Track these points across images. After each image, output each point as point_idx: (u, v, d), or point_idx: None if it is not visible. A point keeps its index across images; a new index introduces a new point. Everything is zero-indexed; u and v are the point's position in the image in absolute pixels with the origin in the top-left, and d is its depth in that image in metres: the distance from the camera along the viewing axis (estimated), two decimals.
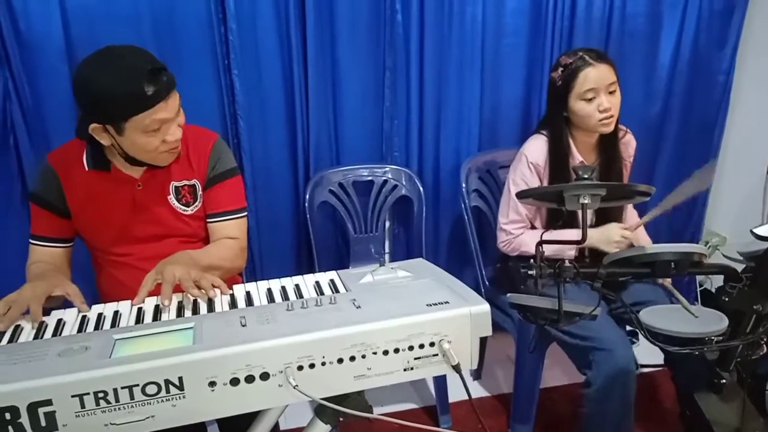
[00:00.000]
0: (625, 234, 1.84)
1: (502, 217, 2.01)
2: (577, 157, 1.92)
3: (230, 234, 1.60)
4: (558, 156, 1.91)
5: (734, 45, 2.58)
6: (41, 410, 0.92)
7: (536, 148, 1.93)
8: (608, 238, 1.84)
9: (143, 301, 1.27)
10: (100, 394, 0.93)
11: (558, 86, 1.87)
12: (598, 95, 1.81)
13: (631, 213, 2.12)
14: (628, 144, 2.05)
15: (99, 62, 1.33)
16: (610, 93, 1.83)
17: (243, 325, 1.08)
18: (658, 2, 2.46)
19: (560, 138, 1.91)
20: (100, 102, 1.31)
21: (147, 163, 1.47)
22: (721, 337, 1.39)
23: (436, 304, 1.11)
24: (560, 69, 1.86)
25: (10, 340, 1.13)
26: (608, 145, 1.96)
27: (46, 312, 1.24)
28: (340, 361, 1.04)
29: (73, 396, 0.92)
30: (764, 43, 2.60)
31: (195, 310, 1.22)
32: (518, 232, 1.98)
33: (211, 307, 1.23)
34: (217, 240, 1.60)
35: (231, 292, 1.29)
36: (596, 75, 1.81)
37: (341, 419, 1.15)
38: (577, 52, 1.85)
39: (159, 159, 1.46)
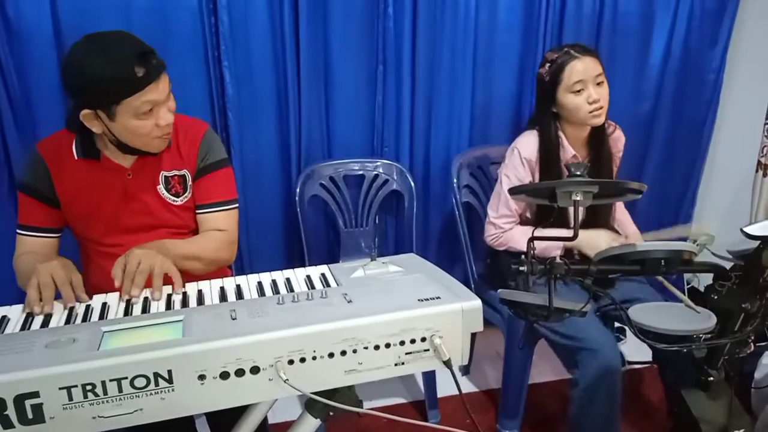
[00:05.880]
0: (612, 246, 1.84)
1: (491, 211, 2.01)
2: (569, 151, 1.93)
3: (219, 226, 1.59)
4: (548, 151, 1.92)
5: (725, 44, 2.59)
6: (28, 402, 0.91)
7: (529, 143, 1.94)
8: (595, 245, 1.83)
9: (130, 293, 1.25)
10: (88, 387, 0.92)
11: (546, 81, 1.88)
12: (586, 87, 1.83)
13: (620, 210, 2.13)
14: (618, 139, 2.07)
15: (88, 47, 1.32)
16: (598, 84, 1.85)
17: (233, 319, 1.07)
18: (651, 1, 2.47)
19: (549, 134, 1.92)
20: (91, 86, 1.30)
21: (140, 150, 1.46)
22: (709, 335, 1.40)
23: (427, 300, 1.10)
24: (547, 65, 1.88)
25: None
26: (598, 140, 1.97)
27: None
28: (331, 355, 1.03)
29: (60, 388, 0.91)
30: (754, 42, 2.61)
31: (184, 303, 1.21)
32: (507, 226, 1.98)
33: (200, 300, 1.22)
34: (205, 231, 1.59)
35: (184, 290, 1.28)
36: (583, 67, 1.82)
37: (331, 414, 1.14)
38: (563, 48, 1.88)
39: (152, 145, 1.45)
